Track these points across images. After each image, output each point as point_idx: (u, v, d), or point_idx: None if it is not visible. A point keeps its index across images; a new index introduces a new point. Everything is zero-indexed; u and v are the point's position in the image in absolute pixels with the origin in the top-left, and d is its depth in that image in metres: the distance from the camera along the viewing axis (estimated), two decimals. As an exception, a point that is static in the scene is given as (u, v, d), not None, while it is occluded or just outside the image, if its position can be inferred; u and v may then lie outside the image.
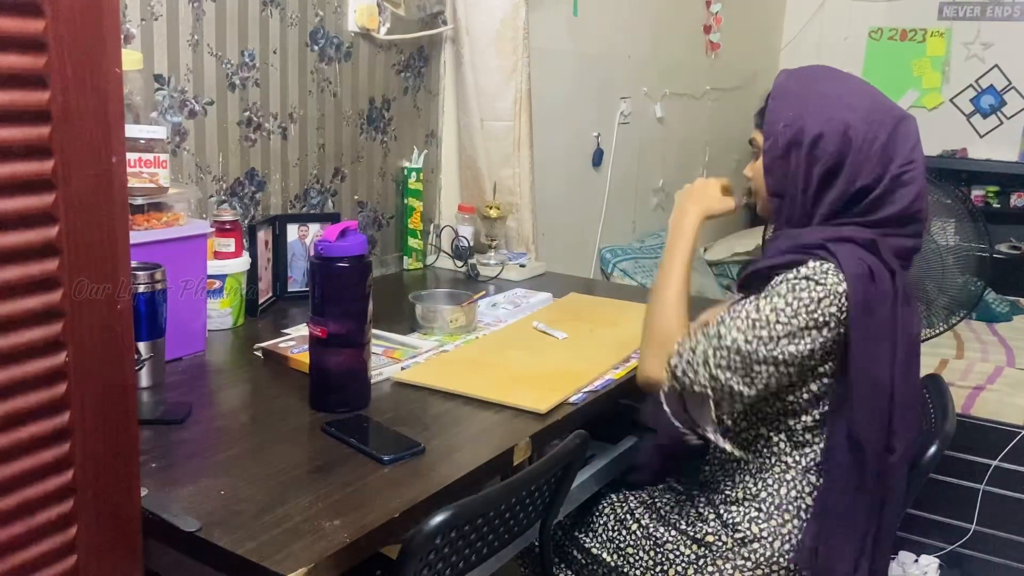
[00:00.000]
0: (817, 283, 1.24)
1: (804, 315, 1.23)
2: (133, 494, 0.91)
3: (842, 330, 1.24)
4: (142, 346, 1.38)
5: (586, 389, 1.49)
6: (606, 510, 1.50)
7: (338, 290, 1.32)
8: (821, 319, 1.23)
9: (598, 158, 3.20)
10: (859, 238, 1.27)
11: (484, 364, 1.57)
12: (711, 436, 1.28)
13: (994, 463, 2.34)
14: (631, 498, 1.49)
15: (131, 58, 1.54)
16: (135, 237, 1.37)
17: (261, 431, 1.28)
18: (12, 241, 0.75)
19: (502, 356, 1.62)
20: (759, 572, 1.33)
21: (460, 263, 2.36)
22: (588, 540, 1.49)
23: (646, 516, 1.45)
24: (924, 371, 1.95)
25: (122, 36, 1.58)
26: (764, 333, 1.23)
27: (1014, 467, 2.33)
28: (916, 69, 4.54)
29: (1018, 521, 2.34)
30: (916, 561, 2.43)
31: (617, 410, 1.57)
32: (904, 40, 4.55)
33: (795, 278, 1.25)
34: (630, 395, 1.54)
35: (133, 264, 1.25)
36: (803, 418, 1.32)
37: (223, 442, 1.24)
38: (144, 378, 1.39)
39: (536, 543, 1.36)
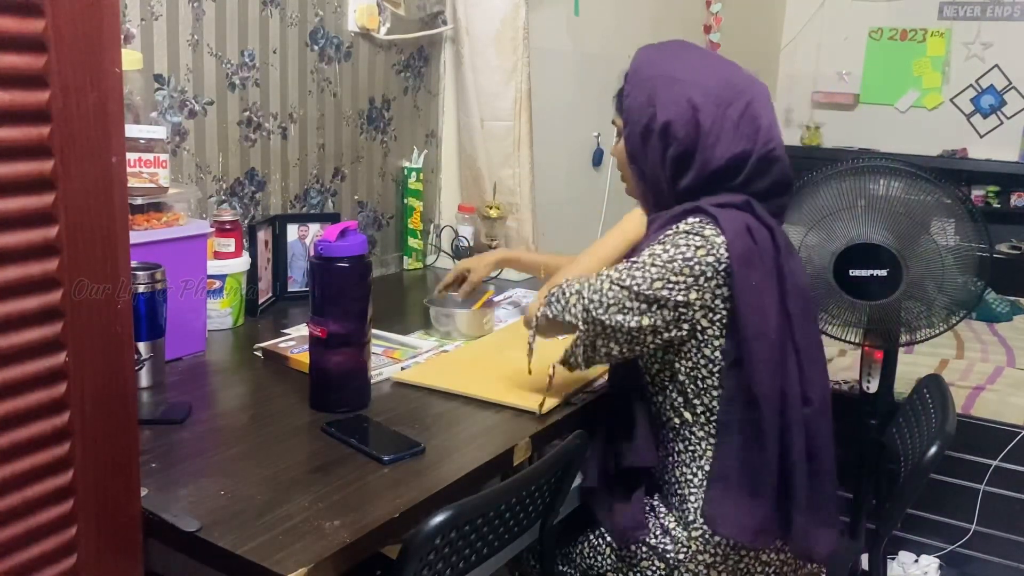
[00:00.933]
0: (694, 234, 1.25)
1: (680, 261, 1.24)
2: (133, 494, 0.91)
3: (724, 288, 1.25)
4: (142, 346, 1.38)
5: (586, 389, 1.48)
6: (579, 537, 1.45)
7: (338, 290, 1.32)
8: (698, 268, 1.23)
9: (598, 158, 3.20)
10: (733, 200, 1.29)
11: (484, 364, 1.57)
12: (581, 366, 1.30)
13: (994, 463, 2.34)
14: (598, 520, 1.43)
15: (131, 58, 1.54)
16: (135, 237, 1.37)
17: (261, 431, 1.28)
18: (12, 241, 0.75)
19: (502, 356, 1.62)
20: (731, 556, 1.31)
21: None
22: (571, 571, 1.46)
23: (617, 533, 1.39)
24: (924, 371, 1.96)
25: (122, 36, 1.58)
26: (638, 273, 1.25)
27: (1014, 467, 2.33)
28: (916, 69, 4.54)
29: (1018, 521, 2.34)
30: (916, 561, 2.43)
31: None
32: (904, 40, 4.55)
33: (674, 233, 1.27)
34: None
35: (133, 264, 1.25)
36: (711, 391, 1.30)
37: (223, 442, 1.25)
38: (144, 378, 1.39)
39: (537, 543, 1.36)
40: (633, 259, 1.28)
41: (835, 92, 4.69)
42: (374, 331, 1.70)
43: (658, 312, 1.25)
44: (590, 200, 3.22)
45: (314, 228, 2.02)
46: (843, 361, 2.75)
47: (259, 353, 1.59)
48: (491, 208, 2.36)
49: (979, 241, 1.84)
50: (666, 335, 1.27)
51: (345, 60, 2.13)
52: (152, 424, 1.26)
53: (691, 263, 1.24)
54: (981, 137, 4.46)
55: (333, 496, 1.07)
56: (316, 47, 2.04)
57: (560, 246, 2.88)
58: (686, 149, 1.30)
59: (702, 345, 1.28)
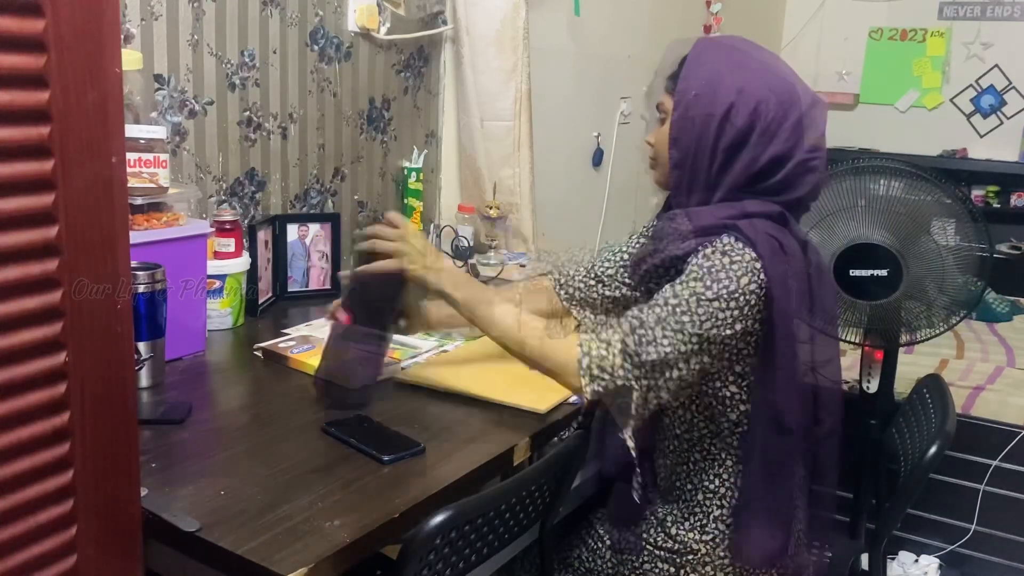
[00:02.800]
0: (732, 259, 1.19)
1: (726, 297, 1.17)
2: (133, 494, 0.91)
3: (763, 310, 1.20)
4: (142, 346, 1.38)
5: (586, 389, 1.48)
6: (576, 542, 1.46)
7: (378, 283, 1.32)
8: (743, 299, 1.17)
9: (598, 158, 3.20)
10: (766, 211, 1.24)
11: (484, 364, 1.57)
12: (623, 436, 1.20)
13: (994, 463, 2.34)
14: (596, 524, 1.44)
15: (131, 58, 1.54)
16: (135, 237, 1.37)
17: (261, 431, 1.28)
18: (12, 241, 0.75)
19: (502, 356, 1.62)
20: (738, 570, 1.31)
21: (460, 263, 2.36)
22: None
23: (617, 537, 1.39)
24: (924, 371, 1.96)
25: (122, 36, 1.58)
26: (687, 318, 1.17)
27: (1014, 467, 2.33)
28: (916, 69, 4.54)
29: (1018, 521, 2.34)
30: (916, 561, 2.43)
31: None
32: (904, 40, 4.55)
33: (709, 253, 1.20)
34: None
35: (133, 264, 1.25)
36: (739, 406, 1.27)
37: (223, 442, 1.24)
38: (144, 378, 1.39)
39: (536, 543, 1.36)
40: (672, 297, 1.19)
41: (835, 92, 4.69)
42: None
43: (707, 349, 1.19)
44: (590, 200, 3.22)
45: (314, 228, 2.02)
46: (843, 361, 2.74)
47: (259, 353, 1.59)
48: (491, 208, 2.36)
49: (979, 241, 1.84)
50: (707, 367, 1.22)
51: (345, 60, 2.13)
52: (152, 424, 1.25)
53: (736, 295, 1.17)
54: (981, 137, 4.46)
55: (333, 496, 1.07)
56: (316, 47, 2.04)
57: (560, 246, 2.88)
58: (740, 141, 1.25)
59: (733, 363, 1.25)
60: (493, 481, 1.22)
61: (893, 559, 2.44)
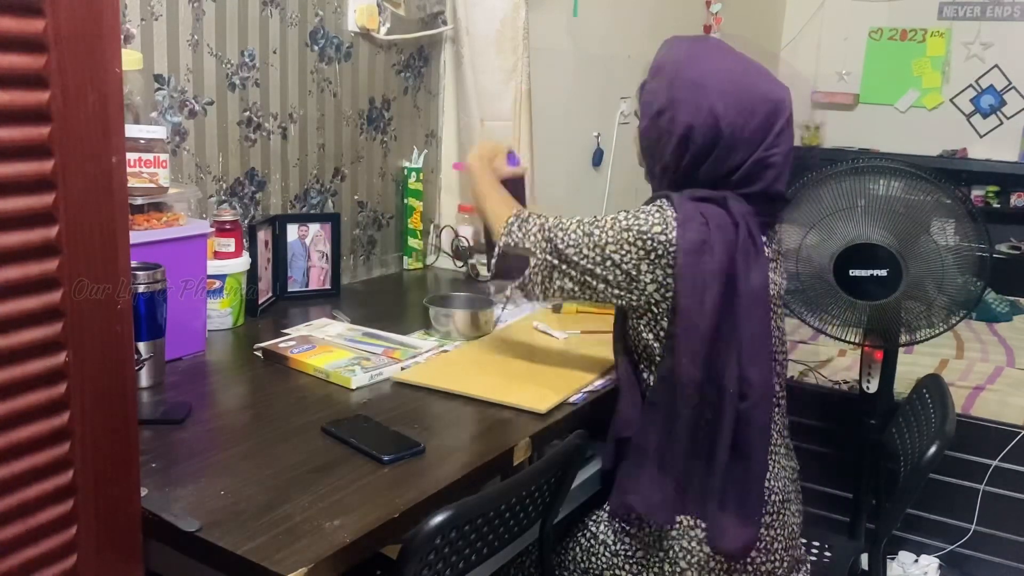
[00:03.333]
0: (657, 211, 1.31)
1: (636, 231, 1.30)
2: (133, 494, 0.91)
3: (671, 263, 1.29)
4: (142, 346, 1.38)
5: (586, 389, 1.49)
6: (571, 544, 1.46)
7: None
8: (650, 244, 1.29)
9: (598, 158, 3.20)
10: (712, 196, 1.33)
11: (484, 364, 1.57)
12: (537, 296, 1.40)
13: (994, 463, 2.34)
14: (589, 523, 1.45)
15: (131, 58, 1.54)
16: (135, 237, 1.37)
17: (261, 431, 1.28)
18: (12, 241, 0.75)
19: (502, 356, 1.62)
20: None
21: (460, 263, 2.36)
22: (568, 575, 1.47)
23: (609, 535, 1.40)
24: (924, 371, 1.96)
25: (122, 36, 1.58)
26: (597, 230, 1.33)
27: (1014, 467, 2.33)
28: (916, 69, 4.54)
29: (1018, 521, 2.34)
30: (916, 561, 2.43)
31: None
32: (904, 40, 4.55)
33: (646, 204, 1.35)
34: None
35: (133, 264, 1.25)
36: (656, 359, 1.35)
37: (223, 442, 1.25)
38: (144, 378, 1.39)
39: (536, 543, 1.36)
40: (602, 215, 1.35)
41: (835, 92, 4.69)
42: (374, 331, 1.71)
43: (611, 268, 1.32)
44: (590, 200, 3.22)
45: (314, 228, 2.02)
46: (843, 361, 2.75)
47: (259, 353, 1.59)
48: (491, 208, 2.36)
49: (979, 241, 1.84)
50: (617, 292, 1.34)
51: (345, 60, 2.13)
52: (152, 424, 1.26)
53: (644, 237, 1.30)
54: (981, 137, 4.46)
55: (333, 496, 1.07)
56: (316, 47, 2.04)
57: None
58: (702, 156, 1.33)
59: (658, 319, 1.33)
60: (493, 481, 1.22)
61: (893, 559, 2.44)
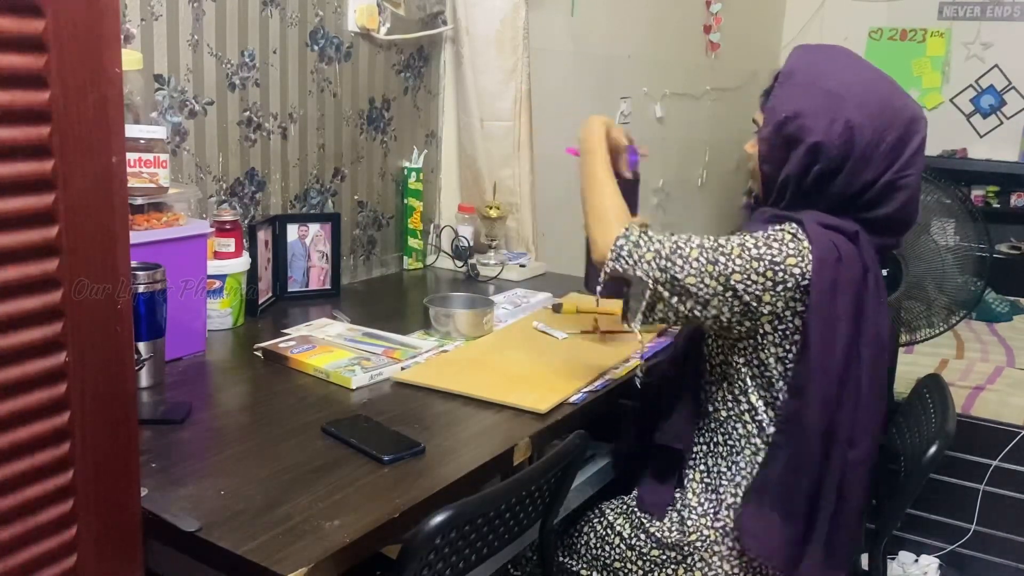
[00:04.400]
0: (789, 239, 1.24)
1: (767, 262, 1.22)
2: (133, 494, 0.91)
3: (799, 304, 1.23)
4: (142, 346, 1.38)
5: (586, 389, 1.48)
6: (585, 528, 1.47)
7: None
8: (781, 275, 1.22)
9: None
10: (841, 227, 1.26)
11: (484, 364, 1.57)
12: (634, 327, 1.28)
13: (994, 463, 2.34)
14: (607, 511, 1.46)
15: (131, 58, 1.54)
16: (135, 237, 1.37)
17: (261, 431, 1.28)
18: (12, 241, 0.75)
19: (502, 356, 1.62)
20: (747, 558, 1.31)
21: (460, 263, 2.36)
22: (575, 563, 1.47)
23: (626, 527, 1.41)
24: (924, 371, 1.96)
25: (122, 36, 1.58)
26: (723, 258, 1.23)
27: (1014, 467, 2.33)
28: (916, 69, 4.54)
29: (1018, 521, 2.34)
30: (916, 561, 2.43)
31: (617, 410, 1.57)
32: (904, 40, 4.55)
33: (775, 230, 1.26)
34: (630, 395, 1.54)
35: (133, 264, 1.25)
36: (772, 402, 1.29)
37: (223, 442, 1.25)
38: (144, 378, 1.39)
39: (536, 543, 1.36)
40: (723, 240, 1.26)
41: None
42: (374, 331, 1.71)
43: (729, 300, 1.23)
44: (590, 200, 3.22)
45: (314, 228, 2.02)
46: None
47: (259, 353, 1.59)
48: (491, 208, 2.36)
49: (979, 241, 1.85)
50: (725, 321, 1.26)
51: (345, 60, 2.13)
52: (152, 424, 1.26)
53: (776, 267, 1.22)
54: (981, 137, 4.46)
55: (333, 496, 1.07)
56: (316, 47, 2.04)
57: (560, 246, 2.88)
58: (833, 170, 1.26)
59: (759, 348, 1.27)
60: (493, 481, 1.22)
61: (893, 559, 2.45)
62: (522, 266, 2.36)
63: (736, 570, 1.31)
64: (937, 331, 1.94)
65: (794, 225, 1.26)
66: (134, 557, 0.92)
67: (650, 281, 1.25)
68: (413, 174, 2.33)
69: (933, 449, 1.43)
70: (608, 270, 1.29)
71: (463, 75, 2.39)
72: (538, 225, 2.58)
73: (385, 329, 1.72)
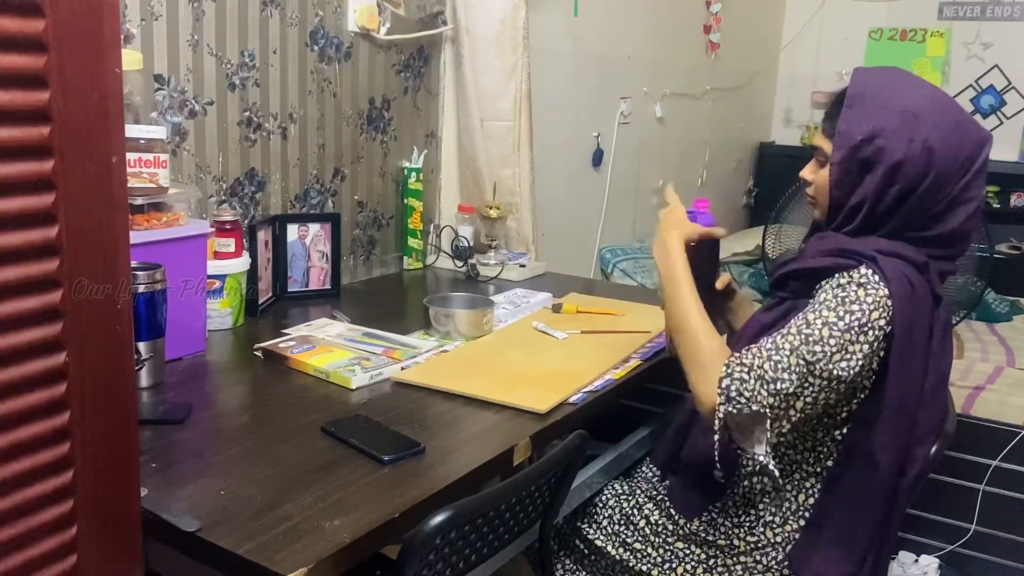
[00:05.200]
0: (867, 292, 1.19)
1: (856, 329, 1.18)
2: (133, 494, 0.91)
3: (884, 344, 1.20)
4: (142, 346, 1.38)
5: (586, 389, 1.49)
6: (611, 502, 1.48)
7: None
8: (872, 333, 1.18)
9: (598, 158, 3.20)
10: (911, 257, 1.23)
11: (484, 364, 1.57)
12: (763, 460, 1.21)
13: (994, 463, 2.34)
14: (638, 492, 1.47)
15: (131, 58, 1.54)
16: (135, 237, 1.37)
17: (261, 431, 1.28)
18: (12, 241, 0.75)
19: (502, 356, 1.62)
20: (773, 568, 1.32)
21: (460, 263, 2.36)
22: (592, 532, 1.48)
23: (656, 512, 1.42)
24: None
25: (122, 36, 1.58)
26: (818, 348, 1.18)
27: (1014, 467, 2.33)
28: (916, 69, 4.54)
29: (1018, 521, 2.34)
30: (916, 561, 2.43)
31: (617, 410, 1.57)
32: (904, 40, 4.55)
33: (845, 283, 1.21)
34: (630, 395, 1.54)
35: (133, 264, 1.25)
36: (833, 432, 1.29)
37: (223, 442, 1.24)
38: (144, 378, 1.39)
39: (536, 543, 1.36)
40: (805, 326, 1.20)
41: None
42: (374, 331, 1.71)
43: (836, 386, 1.20)
44: (590, 200, 3.22)
45: (314, 228, 2.02)
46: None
47: (259, 353, 1.59)
48: (491, 208, 2.36)
49: (979, 241, 1.84)
50: (834, 399, 1.23)
51: (345, 60, 2.13)
52: (152, 424, 1.26)
53: (866, 328, 1.18)
54: (981, 137, 4.46)
55: (333, 496, 1.07)
56: (316, 47, 2.04)
57: (560, 246, 2.88)
58: (911, 190, 1.23)
59: (852, 399, 1.27)
60: (493, 481, 1.22)
61: (893, 559, 2.44)
62: (522, 266, 2.36)
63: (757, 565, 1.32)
64: (937, 331, 1.94)
65: (862, 270, 1.22)
66: (134, 557, 0.92)
67: (767, 411, 1.19)
68: (413, 174, 2.33)
69: (933, 449, 1.43)
70: (721, 416, 1.21)
71: (463, 75, 2.39)
72: (538, 225, 2.58)
73: (385, 329, 1.72)
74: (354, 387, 1.44)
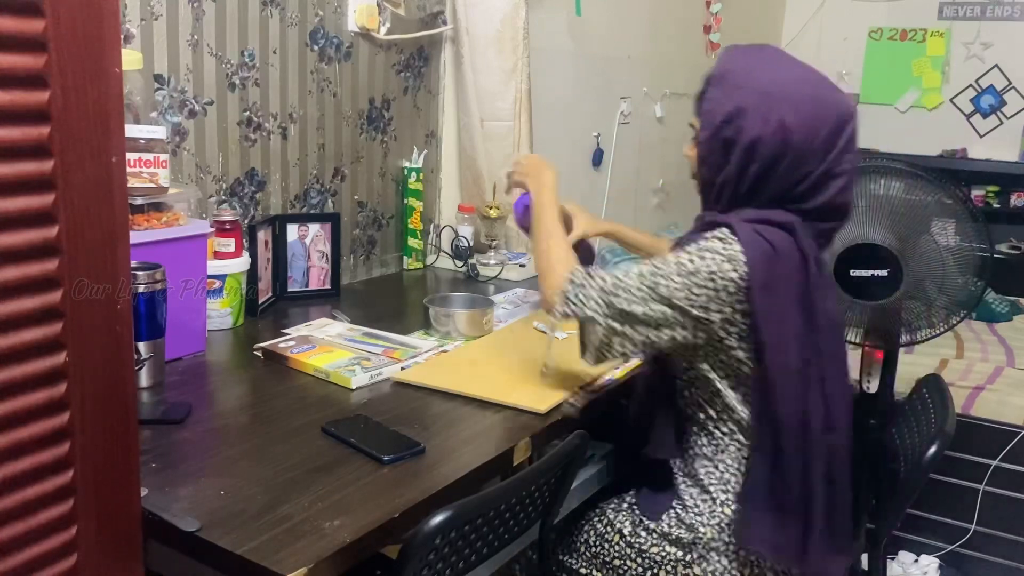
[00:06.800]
0: (723, 245, 1.25)
1: (704, 274, 1.24)
2: (133, 494, 0.91)
3: (745, 304, 1.25)
4: (142, 346, 1.38)
5: (586, 389, 1.48)
6: (585, 527, 1.47)
7: None
8: (720, 282, 1.23)
9: (598, 158, 3.20)
10: (776, 219, 1.27)
11: (484, 364, 1.57)
12: (590, 361, 1.33)
13: (994, 463, 2.34)
14: (608, 510, 1.46)
15: (131, 58, 1.54)
16: (135, 237, 1.37)
17: (261, 431, 1.28)
18: (12, 241, 0.75)
19: (502, 356, 1.62)
20: (743, 552, 1.32)
21: (460, 263, 2.36)
22: (575, 561, 1.47)
23: (627, 524, 1.42)
24: (924, 371, 1.96)
25: (122, 36, 1.58)
26: (663, 280, 1.25)
27: (1014, 467, 2.33)
28: (916, 69, 4.54)
29: (1018, 521, 2.34)
30: (916, 561, 2.43)
31: (617, 410, 1.57)
32: (904, 40, 4.55)
33: (707, 238, 1.28)
34: (630, 395, 1.54)
35: (133, 264, 1.25)
36: (729, 394, 1.31)
37: (223, 442, 1.25)
38: (144, 378, 1.39)
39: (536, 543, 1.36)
40: (661, 262, 1.28)
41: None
42: (374, 331, 1.71)
43: (679, 319, 1.25)
44: (590, 200, 3.22)
45: (314, 228, 2.02)
46: (843, 361, 2.74)
47: (259, 353, 1.59)
48: (491, 208, 2.36)
49: (979, 241, 1.84)
50: (681, 339, 1.28)
51: (345, 60, 2.13)
52: (152, 424, 1.26)
53: (715, 276, 1.24)
54: (981, 137, 4.46)
55: (333, 496, 1.07)
56: (316, 47, 2.04)
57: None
58: (770, 167, 1.27)
59: (720, 351, 1.29)
60: (493, 481, 1.22)
61: (893, 559, 2.45)
62: (522, 266, 2.36)
63: (733, 564, 1.32)
64: (937, 331, 1.94)
65: (723, 230, 1.28)
66: (134, 557, 0.92)
67: (600, 317, 1.28)
68: (413, 174, 2.33)
69: (932, 449, 1.43)
70: (558, 315, 1.34)
71: (463, 75, 2.39)
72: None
73: (385, 329, 1.72)
74: (354, 387, 1.44)
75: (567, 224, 1.57)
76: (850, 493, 1.31)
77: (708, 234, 1.29)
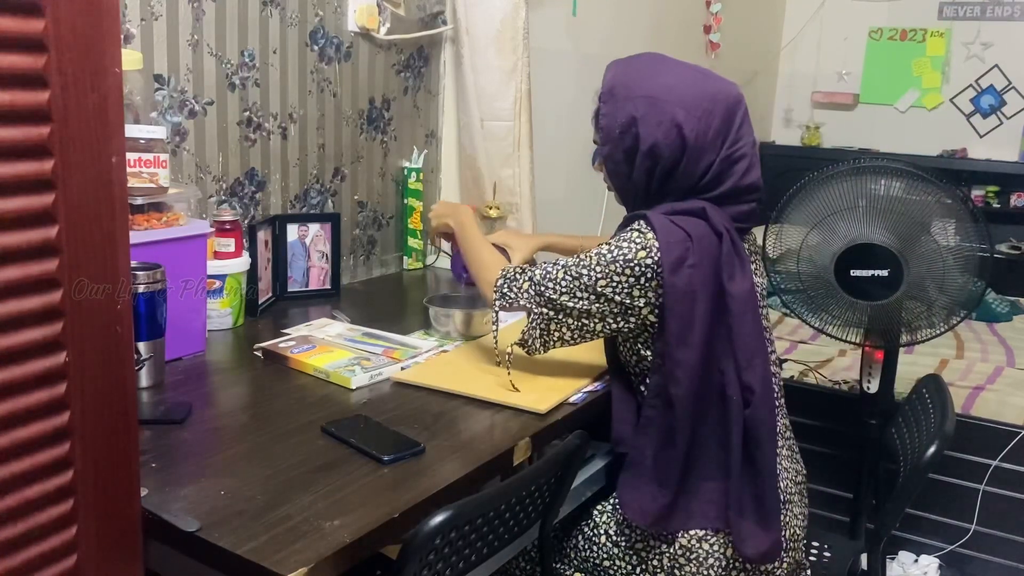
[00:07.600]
0: (639, 234, 1.32)
1: (622, 262, 1.31)
2: (133, 494, 0.91)
3: (661, 283, 1.30)
4: (142, 346, 1.38)
5: (586, 389, 1.49)
6: (574, 532, 1.48)
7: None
8: (637, 268, 1.30)
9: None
10: (687, 208, 1.35)
11: (484, 364, 1.57)
12: (538, 350, 1.42)
13: (994, 463, 2.34)
14: (594, 512, 1.47)
15: (131, 58, 1.54)
16: (135, 237, 1.37)
17: (261, 431, 1.28)
18: (12, 241, 0.75)
19: (502, 356, 1.62)
20: (722, 534, 1.33)
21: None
22: (566, 567, 1.47)
23: (612, 524, 1.42)
24: (924, 371, 1.96)
25: (122, 36, 1.58)
26: (585, 270, 1.34)
27: (1014, 467, 2.33)
28: (916, 69, 4.54)
29: (1018, 521, 2.34)
30: (916, 561, 2.43)
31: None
32: (904, 40, 4.55)
33: (625, 231, 1.36)
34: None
35: (133, 264, 1.25)
36: (650, 376, 1.36)
37: (223, 442, 1.25)
38: (144, 378, 1.39)
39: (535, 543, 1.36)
40: (584, 255, 1.36)
41: (835, 92, 4.69)
42: (374, 331, 1.71)
43: (606, 305, 1.33)
44: (590, 200, 3.22)
45: (314, 228, 2.02)
46: (843, 361, 2.75)
47: (259, 353, 1.59)
48: (491, 208, 2.36)
49: (979, 241, 1.84)
50: (614, 325, 1.35)
51: (345, 60, 2.13)
52: (152, 424, 1.26)
53: (632, 264, 1.31)
54: (981, 137, 4.46)
55: (333, 496, 1.07)
56: (316, 47, 2.04)
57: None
58: (673, 165, 1.35)
59: (655, 338, 1.34)
60: (493, 481, 1.22)
61: (893, 559, 2.44)
62: (522, 266, 2.35)
63: (715, 547, 1.33)
64: (937, 331, 1.94)
65: (640, 222, 1.35)
66: (134, 557, 0.92)
67: (534, 306, 1.38)
68: (413, 174, 2.33)
69: (932, 449, 1.43)
70: (496, 308, 1.44)
71: (463, 75, 2.39)
72: (538, 225, 2.58)
73: (385, 329, 1.72)
74: (354, 387, 1.44)
75: (504, 255, 1.66)
76: (774, 465, 1.34)
77: (627, 227, 1.37)
